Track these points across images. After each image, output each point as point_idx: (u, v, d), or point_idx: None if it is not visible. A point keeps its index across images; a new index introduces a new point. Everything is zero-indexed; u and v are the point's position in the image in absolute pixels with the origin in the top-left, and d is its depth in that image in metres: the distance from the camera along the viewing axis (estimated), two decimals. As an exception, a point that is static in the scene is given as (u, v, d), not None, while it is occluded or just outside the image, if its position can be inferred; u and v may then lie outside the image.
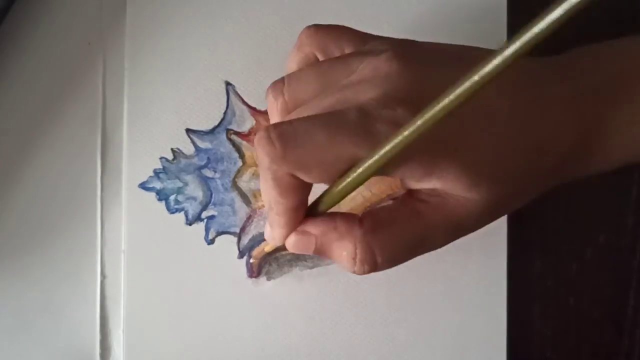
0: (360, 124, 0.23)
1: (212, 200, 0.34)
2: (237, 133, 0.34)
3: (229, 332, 0.34)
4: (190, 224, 0.34)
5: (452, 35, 0.34)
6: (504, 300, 0.34)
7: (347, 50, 0.28)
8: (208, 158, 0.34)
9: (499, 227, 0.34)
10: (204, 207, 0.34)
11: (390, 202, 0.34)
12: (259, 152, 0.24)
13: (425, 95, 0.23)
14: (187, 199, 0.34)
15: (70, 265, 0.34)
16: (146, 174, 0.34)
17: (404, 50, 0.25)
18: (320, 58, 0.28)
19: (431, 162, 0.24)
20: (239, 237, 0.34)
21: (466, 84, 0.19)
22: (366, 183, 0.33)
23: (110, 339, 0.34)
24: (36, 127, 0.34)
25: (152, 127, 0.34)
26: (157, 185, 0.34)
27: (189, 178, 0.34)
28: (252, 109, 0.34)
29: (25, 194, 0.34)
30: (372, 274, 0.34)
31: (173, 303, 0.34)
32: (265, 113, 0.34)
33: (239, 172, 0.34)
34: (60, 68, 0.34)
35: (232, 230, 0.34)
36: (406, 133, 0.21)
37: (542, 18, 0.16)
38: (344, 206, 0.34)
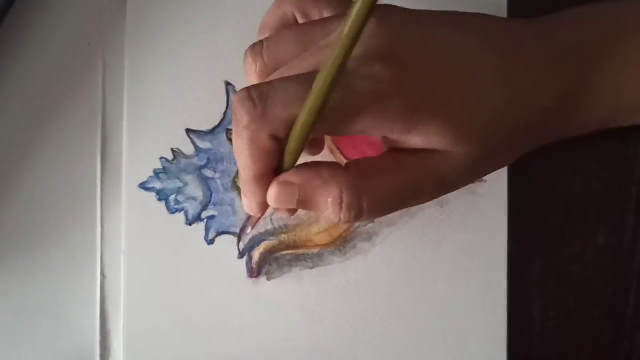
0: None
1: (212, 200, 0.34)
2: (237, 133, 0.34)
3: (229, 332, 0.34)
4: (190, 224, 0.34)
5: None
6: (504, 300, 0.34)
7: (327, 14, 0.28)
8: (208, 158, 0.34)
9: (499, 227, 0.34)
10: (204, 207, 0.34)
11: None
12: (238, 111, 0.24)
13: (403, 50, 0.24)
14: (187, 199, 0.34)
15: (70, 265, 0.34)
16: (146, 174, 0.34)
17: (382, 11, 0.26)
18: (299, 20, 0.28)
19: (412, 117, 0.24)
20: (239, 237, 0.34)
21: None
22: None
23: (110, 339, 0.34)
24: (36, 127, 0.34)
25: (152, 127, 0.34)
26: (157, 185, 0.34)
27: (189, 178, 0.34)
28: (252, 109, 0.34)
29: (25, 194, 0.34)
30: (372, 275, 0.34)
31: (173, 303, 0.34)
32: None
33: (239, 172, 0.34)
34: (60, 68, 0.34)
35: (232, 230, 0.34)
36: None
37: None
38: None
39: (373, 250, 0.34)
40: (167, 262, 0.34)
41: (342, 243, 0.34)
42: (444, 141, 0.25)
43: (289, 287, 0.34)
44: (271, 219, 0.34)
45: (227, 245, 0.34)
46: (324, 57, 0.24)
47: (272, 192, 0.26)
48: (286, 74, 0.25)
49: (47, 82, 0.34)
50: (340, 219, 0.26)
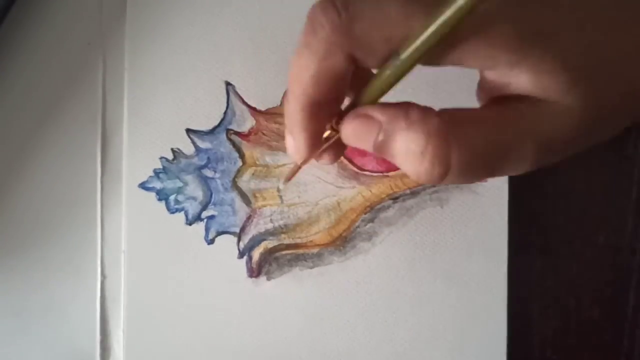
0: None
1: (212, 200, 0.34)
2: (237, 133, 0.34)
3: (228, 332, 0.34)
4: (190, 224, 0.34)
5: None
6: (504, 300, 0.34)
7: None
8: (208, 158, 0.34)
9: (499, 227, 0.34)
10: (204, 207, 0.34)
11: (391, 201, 0.34)
12: (318, 17, 0.21)
13: None
14: (187, 199, 0.34)
15: (70, 265, 0.34)
16: (146, 174, 0.34)
17: None
18: None
19: (522, 47, 0.20)
20: (239, 237, 0.34)
21: None
22: (367, 182, 0.33)
23: (110, 339, 0.34)
24: (36, 128, 0.34)
25: (152, 127, 0.34)
26: (157, 185, 0.34)
27: (189, 178, 0.34)
28: (252, 109, 0.34)
29: (25, 194, 0.34)
30: (372, 274, 0.34)
31: (173, 303, 0.34)
32: (265, 113, 0.34)
33: (239, 172, 0.34)
34: (60, 68, 0.34)
35: (232, 230, 0.34)
36: None
37: None
38: (345, 209, 0.34)
39: (373, 250, 0.34)
40: (167, 261, 0.34)
41: (342, 243, 0.34)
42: (555, 84, 0.21)
43: (289, 287, 0.34)
44: (271, 219, 0.34)
45: (227, 245, 0.34)
46: None
47: (350, 125, 0.22)
48: None
49: (47, 83, 0.34)
50: (421, 175, 0.21)
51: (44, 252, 0.34)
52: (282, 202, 0.34)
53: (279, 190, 0.34)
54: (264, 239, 0.34)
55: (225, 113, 0.34)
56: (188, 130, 0.34)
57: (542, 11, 0.20)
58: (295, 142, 0.23)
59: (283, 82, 0.34)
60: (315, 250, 0.34)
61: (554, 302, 0.35)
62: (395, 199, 0.34)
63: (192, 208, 0.34)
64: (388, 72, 0.21)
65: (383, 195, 0.34)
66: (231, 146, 0.34)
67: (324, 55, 0.21)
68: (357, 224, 0.34)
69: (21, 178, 0.34)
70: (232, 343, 0.34)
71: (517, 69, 0.21)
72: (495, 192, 0.34)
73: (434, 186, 0.34)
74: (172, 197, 0.34)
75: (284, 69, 0.34)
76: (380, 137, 0.22)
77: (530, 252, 0.35)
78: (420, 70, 0.22)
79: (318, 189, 0.34)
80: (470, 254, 0.34)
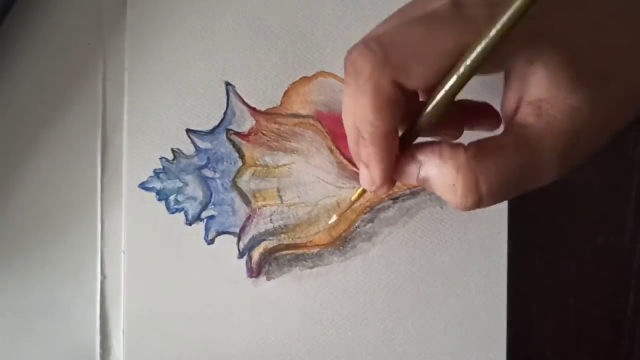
0: (454, 12, 0.23)
1: (212, 200, 0.34)
2: (237, 133, 0.34)
3: (228, 332, 0.34)
4: (190, 224, 0.34)
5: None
6: (504, 300, 0.34)
7: None
8: (208, 158, 0.34)
9: (499, 227, 0.34)
10: (204, 207, 0.34)
11: (390, 201, 0.34)
12: (359, 62, 0.23)
13: None
14: (187, 199, 0.34)
15: (70, 265, 0.34)
16: (146, 174, 0.34)
17: None
18: None
19: (535, 48, 0.23)
20: (239, 237, 0.34)
21: None
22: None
23: (110, 339, 0.34)
24: (36, 128, 0.34)
25: (152, 127, 0.34)
26: (157, 185, 0.34)
27: (189, 178, 0.34)
28: (252, 109, 0.34)
29: (25, 194, 0.34)
30: (372, 274, 0.34)
31: (173, 303, 0.34)
32: (265, 113, 0.34)
33: (238, 172, 0.34)
34: (60, 68, 0.34)
35: (232, 230, 0.34)
36: (509, 13, 0.21)
37: None
38: (346, 210, 0.34)
39: (373, 250, 0.34)
40: (167, 261, 0.34)
41: (341, 243, 0.34)
42: (565, 79, 0.23)
43: (289, 287, 0.34)
44: (271, 219, 0.34)
45: (227, 245, 0.34)
46: None
47: (397, 164, 0.25)
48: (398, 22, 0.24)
49: (47, 83, 0.34)
50: (458, 205, 0.24)
51: (44, 252, 0.34)
52: (282, 202, 0.34)
53: (278, 190, 0.34)
54: (264, 239, 0.34)
55: (225, 113, 0.34)
56: (188, 130, 0.34)
57: (553, 9, 0.22)
58: (370, 173, 0.26)
59: (283, 82, 0.34)
60: (315, 250, 0.34)
61: (554, 302, 0.35)
62: (395, 199, 0.34)
63: (192, 208, 0.34)
64: (442, 89, 0.24)
65: (383, 196, 0.34)
66: (231, 146, 0.34)
67: (374, 90, 0.23)
68: (357, 224, 0.34)
69: (21, 178, 0.34)
70: (232, 343, 0.34)
71: (533, 67, 0.23)
72: (495, 192, 0.34)
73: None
74: (172, 197, 0.34)
75: (284, 69, 0.34)
76: (422, 173, 0.25)
77: (530, 252, 0.35)
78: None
79: (318, 189, 0.34)
80: (470, 254, 0.34)
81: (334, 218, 0.34)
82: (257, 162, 0.34)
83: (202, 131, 0.34)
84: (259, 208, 0.34)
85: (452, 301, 0.34)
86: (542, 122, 0.24)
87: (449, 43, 0.23)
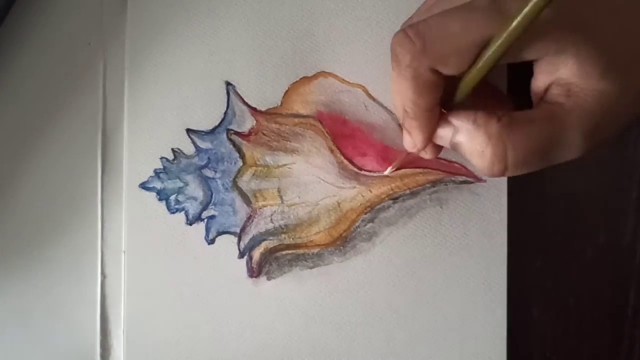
0: (491, 6, 0.25)
1: (213, 200, 0.34)
2: (237, 133, 0.34)
3: (228, 331, 0.34)
4: (190, 224, 0.34)
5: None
6: (504, 300, 0.34)
7: None
8: (208, 158, 0.34)
9: (499, 227, 0.34)
10: (205, 207, 0.34)
11: (391, 201, 0.34)
12: (399, 51, 0.26)
13: None
14: (188, 198, 0.34)
15: (70, 265, 0.34)
16: (147, 173, 0.34)
17: None
18: None
19: (565, 38, 0.25)
20: (239, 237, 0.34)
21: None
22: (367, 183, 0.33)
23: (111, 339, 0.34)
24: (37, 127, 0.34)
25: (152, 127, 0.34)
26: (158, 185, 0.34)
27: (189, 178, 0.34)
28: (252, 109, 0.34)
29: (26, 194, 0.34)
30: (372, 274, 0.34)
31: (173, 303, 0.34)
32: (265, 113, 0.34)
33: (239, 172, 0.34)
34: (60, 68, 0.34)
35: (232, 230, 0.34)
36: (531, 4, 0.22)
37: None
38: (346, 209, 0.34)
39: (373, 250, 0.34)
40: (167, 261, 0.34)
41: (342, 243, 0.34)
42: (593, 68, 0.25)
43: (289, 287, 0.34)
44: (271, 219, 0.34)
45: (227, 244, 0.34)
46: None
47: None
48: (438, 11, 0.26)
49: (47, 82, 0.34)
50: (484, 170, 0.26)
51: (44, 252, 0.34)
52: (282, 202, 0.34)
53: (279, 190, 0.34)
54: (264, 239, 0.34)
55: (225, 113, 0.34)
56: (188, 130, 0.34)
57: (581, 3, 0.24)
58: (412, 139, 0.29)
59: (283, 82, 0.34)
60: (315, 250, 0.34)
61: (554, 302, 0.35)
62: (395, 199, 0.34)
63: (193, 208, 0.34)
64: (471, 72, 0.26)
65: (383, 196, 0.34)
66: (231, 146, 0.34)
67: (414, 77, 0.26)
68: (357, 224, 0.34)
69: (21, 178, 0.34)
70: (232, 343, 0.34)
71: (564, 56, 0.25)
72: (494, 192, 0.34)
73: (433, 186, 0.34)
74: (172, 197, 0.34)
75: (284, 69, 0.34)
76: (454, 138, 0.27)
77: (530, 252, 0.35)
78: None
79: (318, 189, 0.34)
80: (470, 254, 0.34)
81: (389, 170, 0.34)
82: (258, 162, 0.34)
83: (203, 131, 0.34)
84: (260, 208, 0.34)
85: (452, 301, 0.34)
86: (571, 102, 0.26)
87: (485, 35, 0.25)
